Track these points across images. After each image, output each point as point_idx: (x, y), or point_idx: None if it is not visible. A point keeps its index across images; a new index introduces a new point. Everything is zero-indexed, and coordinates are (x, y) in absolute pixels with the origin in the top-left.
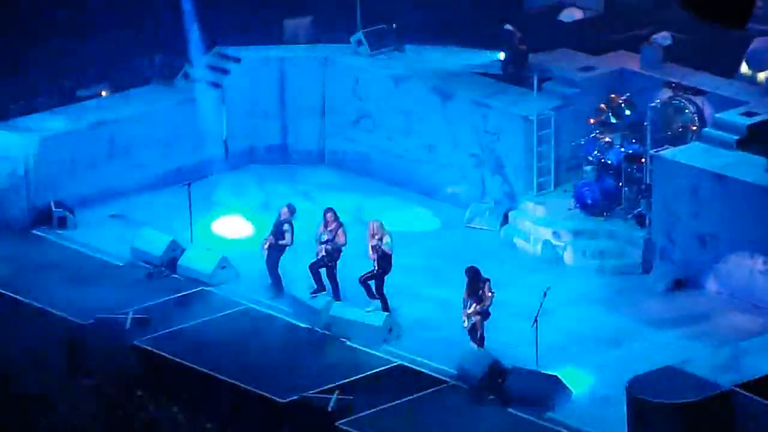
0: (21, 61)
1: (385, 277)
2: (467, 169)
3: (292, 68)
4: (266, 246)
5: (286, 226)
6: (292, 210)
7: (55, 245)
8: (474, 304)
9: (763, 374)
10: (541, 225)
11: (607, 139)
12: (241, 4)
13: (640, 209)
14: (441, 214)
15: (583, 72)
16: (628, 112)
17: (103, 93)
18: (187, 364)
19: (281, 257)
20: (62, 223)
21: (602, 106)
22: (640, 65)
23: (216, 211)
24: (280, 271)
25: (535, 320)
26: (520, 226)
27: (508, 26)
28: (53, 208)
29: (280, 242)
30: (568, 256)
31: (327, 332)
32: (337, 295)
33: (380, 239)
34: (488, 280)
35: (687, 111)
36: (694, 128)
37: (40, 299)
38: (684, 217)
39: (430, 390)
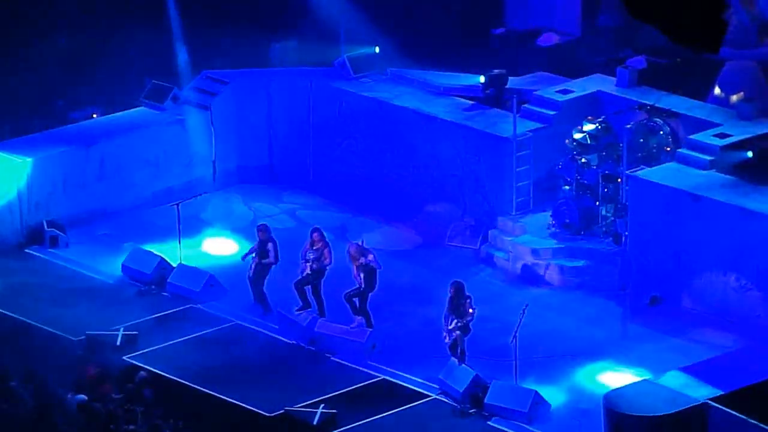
0: (14, 84)
1: (369, 294)
2: (448, 188)
3: (279, 91)
4: (252, 265)
5: (269, 245)
6: (265, 229)
7: (48, 263)
8: (455, 320)
9: (736, 388)
10: (520, 243)
11: (584, 160)
12: (229, 28)
13: (616, 228)
14: (423, 232)
15: (560, 94)
16: (604, 134)
17: (94, 115)
18: (176, 379)
19: (266, 275)
20: (54, 242)
21: (579, 127)
22: (616, 88)
23: (204, 230)
24: (266, 289)
25: (515, 336)
26: (499, 244)
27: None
28: (45, 228)
29: (264, 261)
30: (546, 274)
31: (312, 348)
32: (322, 311)
33: (365, 257)
34: (470, 296)
35: (661, 132)
36: (668, 149)
37: (32, 316)
38: (659, 235)
39: (413, 404)
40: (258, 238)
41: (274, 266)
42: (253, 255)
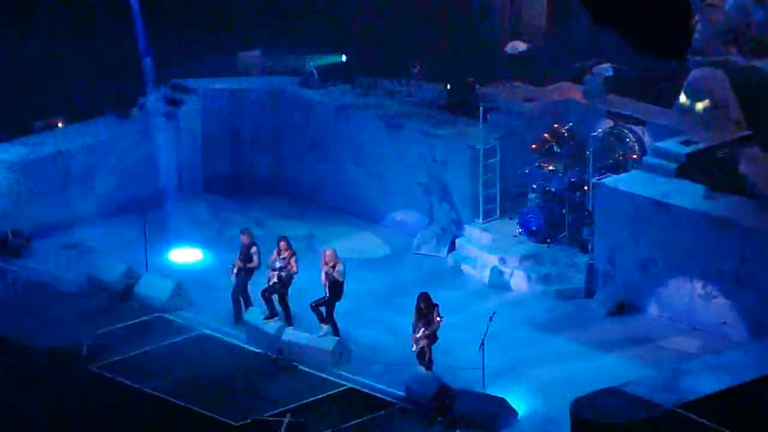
0: None
1: (336, 303)
2: (415, 197)
3: (245, 99)
4: (234, 271)
5: (254, 249)
6: (248, 233)
7: (12, 273)
8: (423, 329)
9: (702, 394)
10: (487, 251)
11: (550, 168)
12: (196, 37)
13: (582, 235)
14: (390, 241)
15: (527, 102)
16: (570, 142)
17: (60, 124)
18: (143, 389)
19: (249, 280)
20: (19, 251)
21: (546, 135)
22: (583, 96)
23: (171, 239)
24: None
25: (482, 344)
26: (466, 252)
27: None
28: (10, 237)
29: (249, 265)
30: (513, 282)
31: (279, 356)
32: (289, 320)
33: (333, 267)
34: (437, 305)
35: (627, 140)
36: (635, 156)
37: None
38: (625, 242)
39: (380, 412)
40: (241, 242)
41: (256, 270)
42: (237, 260)
